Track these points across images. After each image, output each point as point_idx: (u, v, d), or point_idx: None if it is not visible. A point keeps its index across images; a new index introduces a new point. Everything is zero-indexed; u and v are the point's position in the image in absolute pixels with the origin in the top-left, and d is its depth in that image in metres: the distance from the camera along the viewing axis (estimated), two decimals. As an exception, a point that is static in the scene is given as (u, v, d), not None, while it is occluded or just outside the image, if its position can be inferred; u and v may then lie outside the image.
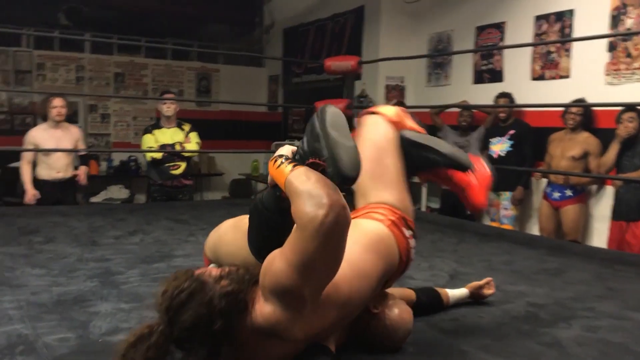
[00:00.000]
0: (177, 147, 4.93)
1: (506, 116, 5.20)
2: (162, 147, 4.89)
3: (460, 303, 2.22)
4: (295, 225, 1.36)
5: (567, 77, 5.02)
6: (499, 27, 5.66)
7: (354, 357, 1.70)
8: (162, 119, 5.05)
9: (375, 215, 1.72)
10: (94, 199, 7.43)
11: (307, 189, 1.34)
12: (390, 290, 1.85)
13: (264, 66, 9.21)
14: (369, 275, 1.57)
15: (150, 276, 2.58)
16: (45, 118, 4.76)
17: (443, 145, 1.97)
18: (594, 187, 4.76)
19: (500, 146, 5.20)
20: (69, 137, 4.72)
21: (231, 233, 1.85)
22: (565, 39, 5.00)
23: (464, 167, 1.95)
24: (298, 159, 1.44)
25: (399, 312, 1.75)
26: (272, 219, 1.53)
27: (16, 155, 6.78)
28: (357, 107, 6.42)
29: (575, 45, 4.94)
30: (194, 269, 1.47)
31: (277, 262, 1.37)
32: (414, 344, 1.80)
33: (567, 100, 4.63)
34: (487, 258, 3.12)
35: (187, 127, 5.06)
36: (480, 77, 5.87)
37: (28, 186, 4.53)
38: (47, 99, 4.77)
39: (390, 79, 6.67)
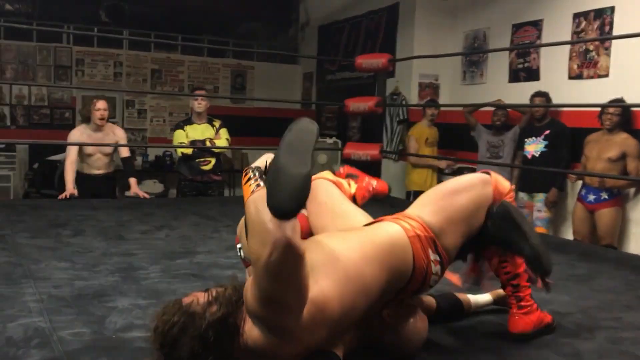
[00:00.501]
0: (207, 143, 4.98)
1: (542, 116, 5.07)
2: (193, 143, 4.95)
3: (482, 310, 2.15)
4: None
5: (606, 76, 4.85)
6: (536, 24, 5.52)
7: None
8: (194, 115, 5.10)
9: (402, 223, 1.64)
10: (128, 193, 7.55)
11: (256, 221, 1.34)
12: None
13: (299, 64, 9.22)
14: (367, 289, 1.50)
15: (172, 272, 2.61)
16: (86, 120, 4.77)
17: (535, 235, 1.78)
18: (632, 190, 4.60)
19: (535, 146, 5.07)
20: (110, 139, 4.74)
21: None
22: (605, 37, 4.84)
23: (544, 271, 1.79)
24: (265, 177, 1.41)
25: (412, 321, 1.71)
26: None
27: (55, 149, 6.97)
28: (389, 105, 6.39)
29: (615, 44, 4.77)
30: (182, 297, 1.46)
31: (248, 293, 1.39)
32: (428, 350, 1.77)
33: (605, 100, 4.47)
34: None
35: (217, 123, 5.10)
36: (516, 75, 5.74)
37: (69, 185, 4.60)
38: (91, 101, 4.78)
39: (424, 77, 6.58)
